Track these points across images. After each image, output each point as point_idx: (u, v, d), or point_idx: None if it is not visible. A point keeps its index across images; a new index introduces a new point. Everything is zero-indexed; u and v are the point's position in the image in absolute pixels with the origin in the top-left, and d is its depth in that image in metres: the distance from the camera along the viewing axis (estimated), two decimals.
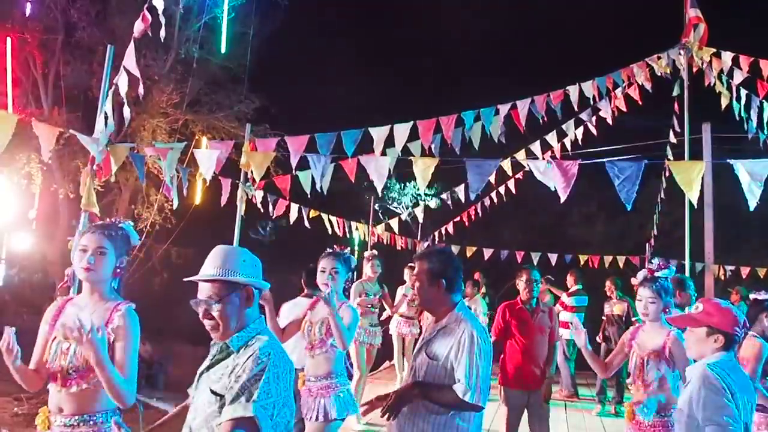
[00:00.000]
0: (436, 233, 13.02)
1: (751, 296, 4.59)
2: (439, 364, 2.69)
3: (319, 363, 3.92)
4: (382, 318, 7.62)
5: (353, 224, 10.07)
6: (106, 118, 4.44)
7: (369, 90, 16.57)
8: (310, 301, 4.18)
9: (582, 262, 12.05)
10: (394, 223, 10.91)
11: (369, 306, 7.07)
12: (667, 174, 12.79)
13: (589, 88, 7.17)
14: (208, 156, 5.26)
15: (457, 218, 12.00)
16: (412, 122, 5.67)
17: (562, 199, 5.04)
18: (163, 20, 4.95)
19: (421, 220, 10.75)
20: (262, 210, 7.73)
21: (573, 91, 7.02)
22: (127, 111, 4.78)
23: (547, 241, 16.03)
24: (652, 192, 14.80)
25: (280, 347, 2.16)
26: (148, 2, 13.06)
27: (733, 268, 11.41)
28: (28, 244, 11.15)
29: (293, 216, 8.20)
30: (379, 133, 5.59)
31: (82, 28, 12.50)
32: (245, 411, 1.94)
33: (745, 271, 11.19)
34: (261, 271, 2.30)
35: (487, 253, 12.71)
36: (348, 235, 10.24)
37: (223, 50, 12.57)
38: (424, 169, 4.91)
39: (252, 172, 5.93)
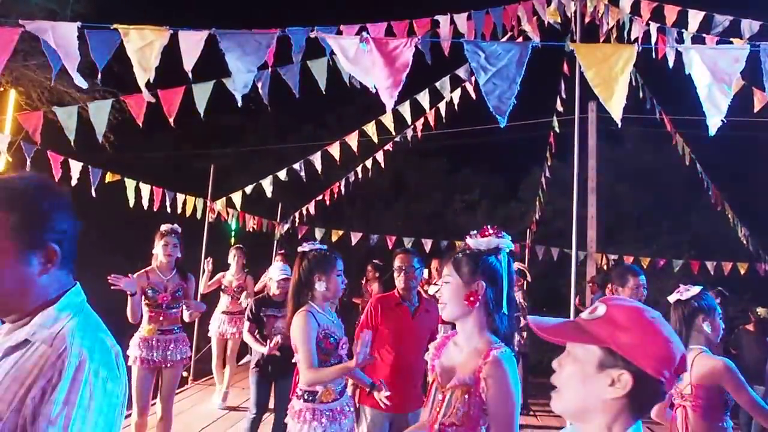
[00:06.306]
0: (297, 214, 11.19)
1: (671, 298, 3.17)
2: None
3: None
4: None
5: (180, 197, 7.88)
6: None
7: None
8: None
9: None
10: (237, 197, 8.82)
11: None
12: (549, 162, 11.89)
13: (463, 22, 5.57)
14: None
15: (320, 197, 10.21)
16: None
17: (389, 105, 3.26)
18: None
19: (269, 194, 8.63)
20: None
21: (444, 23, 5.39)
22: None
23: (428, 229, 14.69)
24: (534, 180, 14.00)
25: None
26: None
27: (615, 257, 10.53)
28: None
29: (74, 177, 5.93)
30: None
31: None
32: None
33: (628, 260, 10.31)
34: None
35: (355, 237, 11.05)
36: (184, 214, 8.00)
37: None
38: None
39: None
